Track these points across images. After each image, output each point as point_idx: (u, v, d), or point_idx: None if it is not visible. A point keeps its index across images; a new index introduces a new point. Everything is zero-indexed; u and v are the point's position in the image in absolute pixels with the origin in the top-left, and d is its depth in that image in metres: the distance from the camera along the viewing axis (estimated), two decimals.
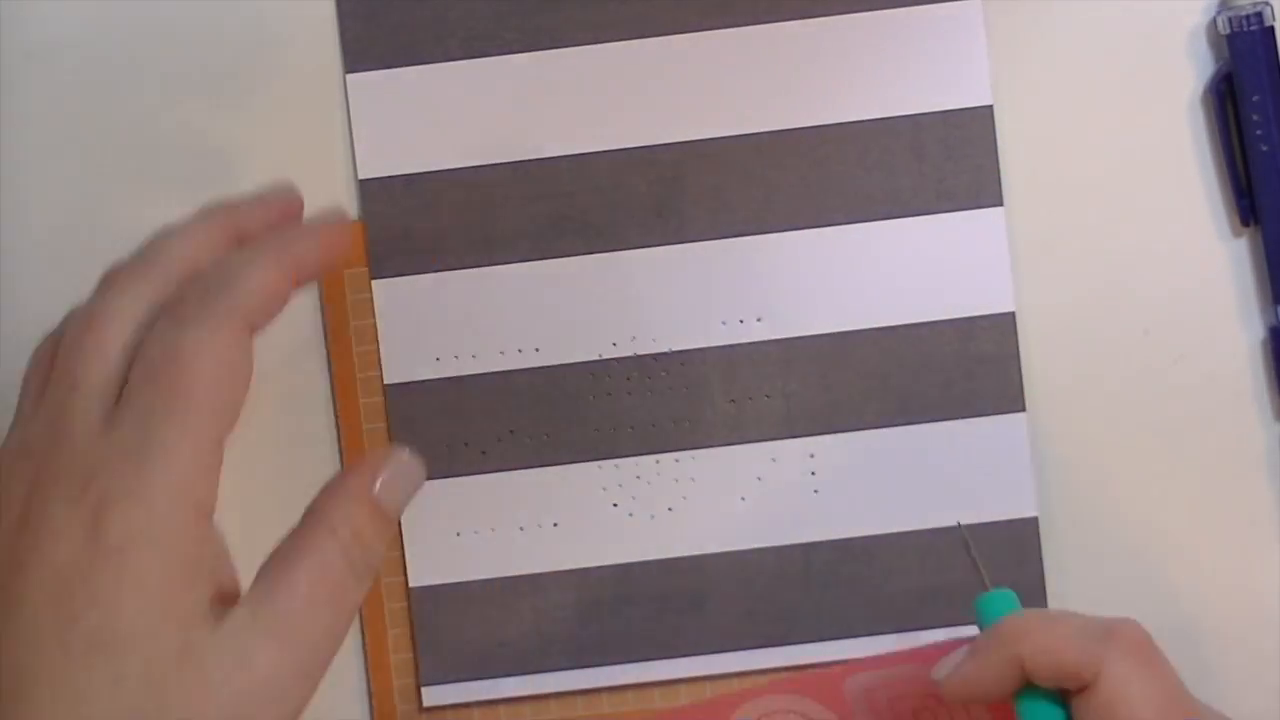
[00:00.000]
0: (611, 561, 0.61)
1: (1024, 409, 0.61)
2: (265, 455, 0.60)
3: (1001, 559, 0.61)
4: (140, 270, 0.48)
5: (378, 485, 0.49)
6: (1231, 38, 0.60)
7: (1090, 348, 0.61)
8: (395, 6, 0.59)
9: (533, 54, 0.59)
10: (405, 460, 0.50)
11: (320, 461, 0.61)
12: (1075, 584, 0.61)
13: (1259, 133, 0.59)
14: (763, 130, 0.60)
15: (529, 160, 0.60)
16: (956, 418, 0.61)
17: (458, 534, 0.61)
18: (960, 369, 0.60)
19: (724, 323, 0.60)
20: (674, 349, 0.60)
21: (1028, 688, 0.51)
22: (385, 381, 0.61)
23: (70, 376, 0.46)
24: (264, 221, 0.51)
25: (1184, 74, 0.61)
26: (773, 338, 0.60)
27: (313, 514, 0.49)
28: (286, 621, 0.47)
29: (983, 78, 0.60)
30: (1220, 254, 0.61)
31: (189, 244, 0.49)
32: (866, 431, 0.61)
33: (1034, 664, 0.50)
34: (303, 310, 0.61)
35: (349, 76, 0.59)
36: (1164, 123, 0.61)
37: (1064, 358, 0.61)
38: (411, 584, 0.61)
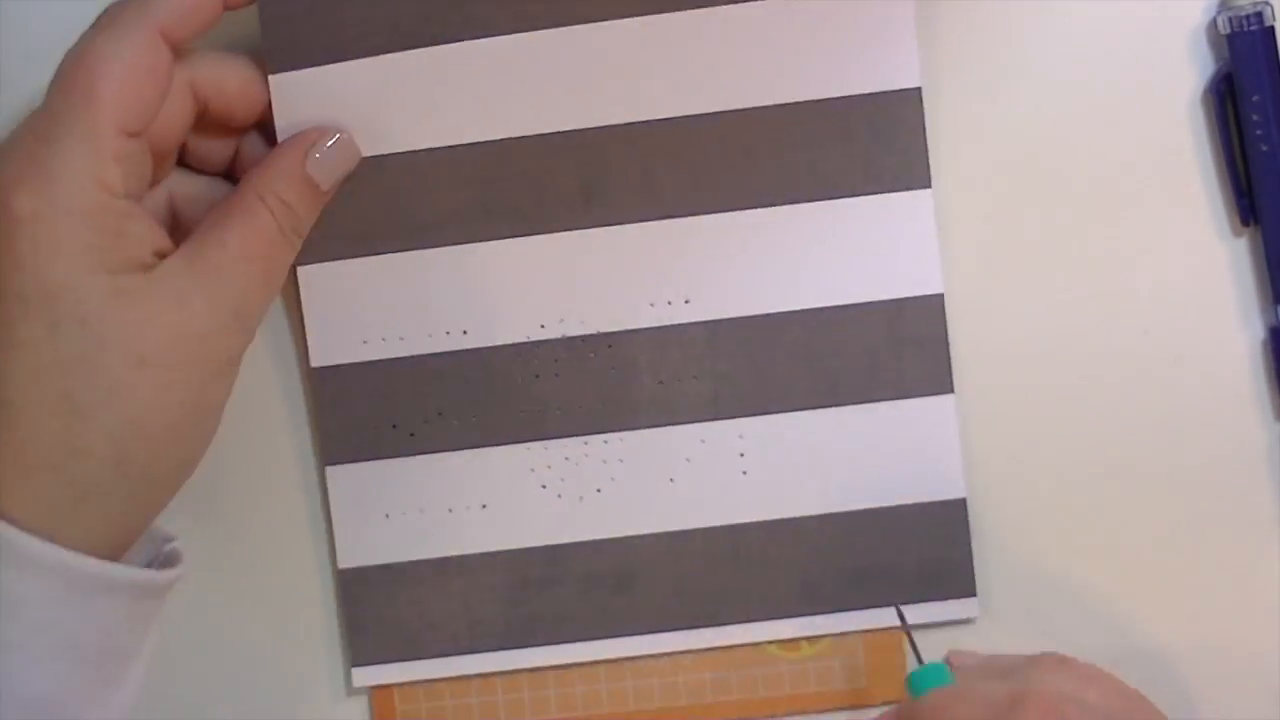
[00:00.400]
0: (540, 543, 0.62)
1: (952, 390, 0.60)
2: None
3: (930, 540, 0.60)
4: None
5: (310, 160, 0.56)
6: (1231, 38, 0.59)
7: (1020, 329, 0.61)
8: (319, 5, 0.58)
9: (457, 43, 0.59)
10: (339, 138, 0.57)
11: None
12: (1001, 567, 0.61)
13: (1259, 133, 0.59)
14: (690, 113, 0.59)
15: (454, 145, 0.59)
16: (885, 399, 0.61)
17: (386, 515, 0.61)
18: (889, 351, 0.60)
19: (652, 304, 0.60)
20: (602, 331, 0.60)
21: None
22: (312, 364, 0.61)
23: None
24: None
25: (1184, 74, 0.61)
26: (701, 319, 0.60)
27: (247, 182, 0.54)
28: (218, 270, 0.52)
29: (911, 60, 0.59)
30: (1220, 254, 0.61)
31: None
32: (795, 413, 0.61)
33: None
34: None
35: (272, 77, 0.58)
36: (1164, 123, 0.61)
37: (993, 339, 0.61)
38: (340, 565, 0.61)
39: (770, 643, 0.62)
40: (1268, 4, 0.59)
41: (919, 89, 0.59)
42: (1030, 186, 0.60)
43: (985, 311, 0.61)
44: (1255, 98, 0.59)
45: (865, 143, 0.59)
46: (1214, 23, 0.60)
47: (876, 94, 0.59)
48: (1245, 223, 0.61)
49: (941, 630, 0.61)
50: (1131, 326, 0.61)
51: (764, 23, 0.59)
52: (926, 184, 0.60)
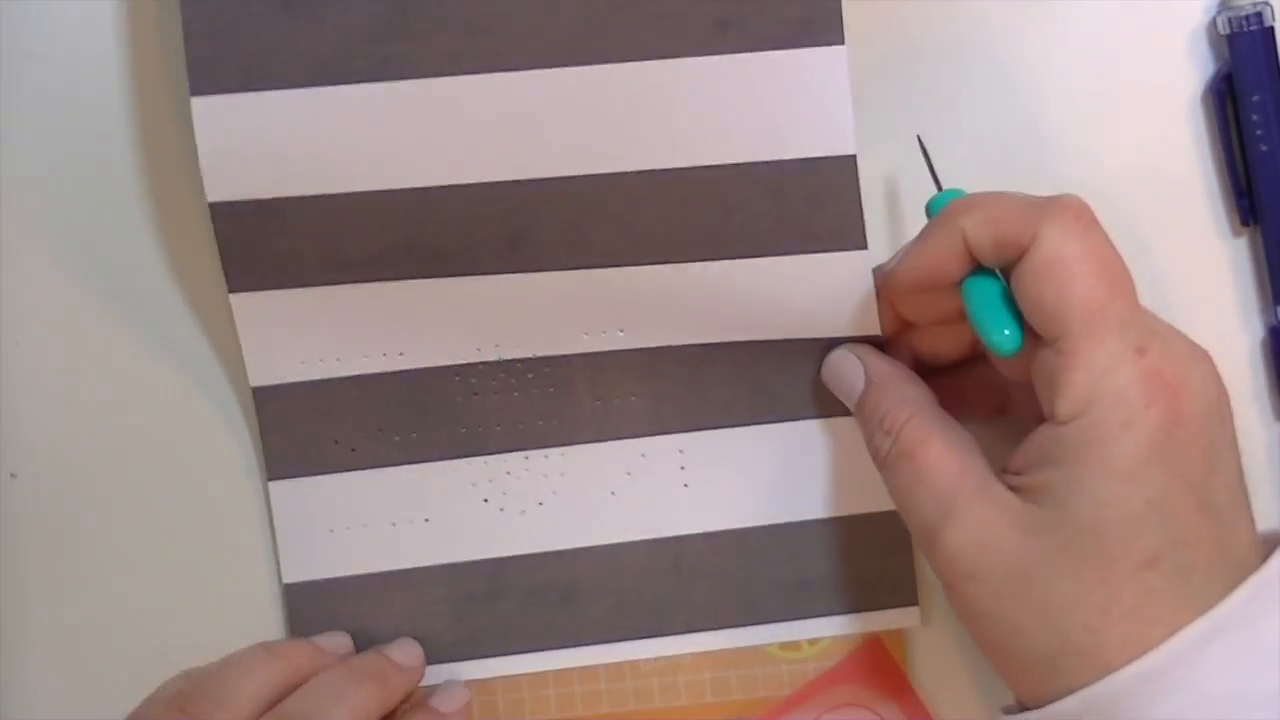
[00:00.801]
0: (483, 556, 0.62)
1: None
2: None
3: (871, 551, 0.61)
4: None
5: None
6: (1231, 38, 0.59)
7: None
8: (242, 30, 0.56)
9: (382, 84, 0.56)
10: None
11: None
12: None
13: (1259, 133, 0.59)
14: (619, 171, 0.57)
15: (379, 190, 0.57)
16: (824, 416, 0.60)
17: (330, 530, 0.61)
18: None
19: (587, 334, 0.59)
20: (539, 354, 0.60)
21: (973, 273, 0.53)
22: (252, 385, 0.60)
23: None
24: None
25: (1184, 74, 0.61)
26: (637, 347, 0.59)
27: None
28: None
29: (846, 126, 0.57)
30: (1220, 254, 0.61)
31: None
32: (735, 428, 0.61)
33: (975, 237, 0.51)
34: None
35: (194, 99, 0.56)
36: (1164, 123, 0.61)
37: None
38: (285, 580, 0.62)
39: (770, 643, 0.62)
40: (1268, 4, 0.58)
41: (853, 156, 0.57)
42: (1030, 187, 0.59)
43: None
44: (1255, 98, 0.59)
45: (799, 206, 0.57)
46: (1214, 23, 0.60)
47: (809, 159, 0.57)
48: (1245, 223, 0.60)
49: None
50: None
51: (698, 81, 0.56)
52: (863, 246, 0.57)
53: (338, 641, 0.60)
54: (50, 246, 0.61)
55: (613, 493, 0.61)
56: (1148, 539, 0.47)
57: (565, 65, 0.56)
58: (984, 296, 0.52)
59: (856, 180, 0.57)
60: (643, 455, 0.61)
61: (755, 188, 0.57)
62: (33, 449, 0.62)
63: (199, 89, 0.56)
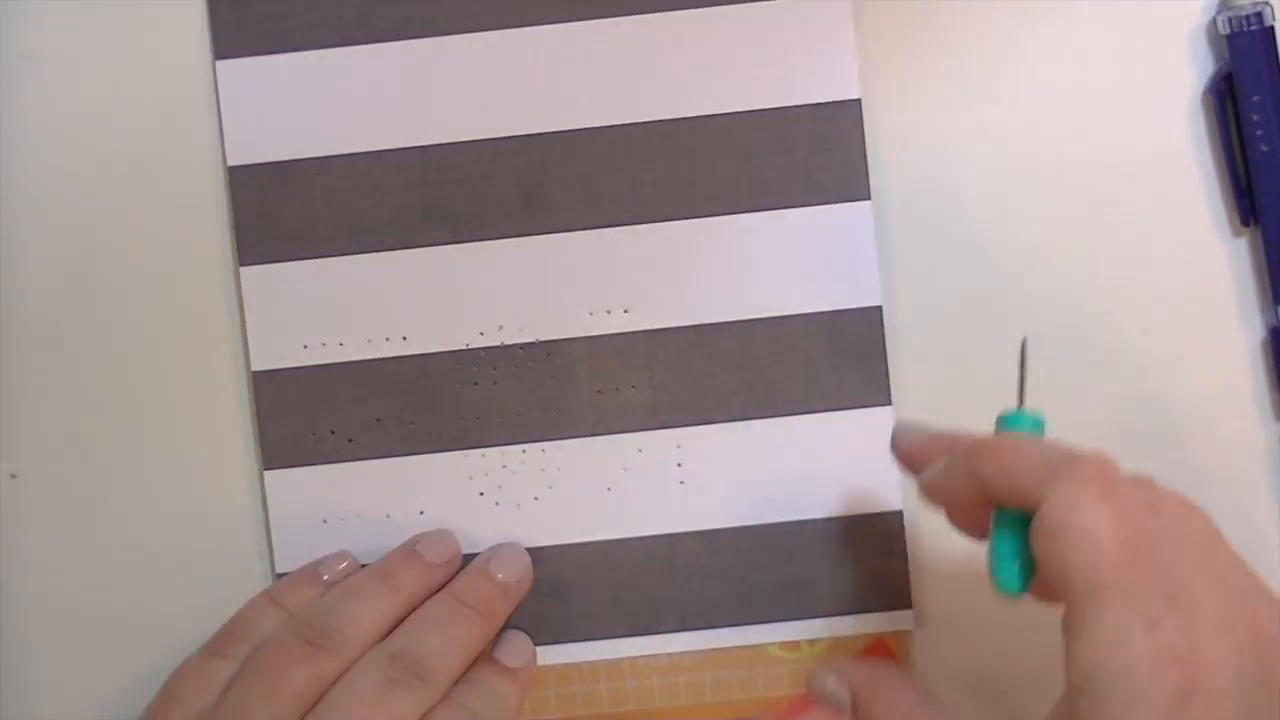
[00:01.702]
0: (477, 550, 0.61)
1: (890, 403, 0.60)
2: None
3: (866, 552, 0.60)
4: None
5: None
6: (1231, 38, 0.60)
7: (958, 343, 0.61)
8: None
9: (402, 42, 0.60)
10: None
11: None
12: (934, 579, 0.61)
13: (1259, 133, 0.59)
14: (630, 121, 0.60)
15: (396, 149, 0.60)
16: (822, 410, 0.60)
17: (324, 520, 0.61)
18: (827, 362, 0.60)
19: (591, 313, 0.60)
20: (541, 339, 0.61)
21: (1002, 509, 0.50)
22: (253, 368, 0.61)
23: None
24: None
25: (1184, 74, 0.62)
26: (640, 329, 0.61)
27: None
28: None
29: (851, 72, 0.60)
30: (1220, 254, 0.62)
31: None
32: (733, 424, 0.61)
33: (994, 485, 0.49)
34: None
35: (218, 63, 0.59)
36: (1164, 123, 0.62)
37: (931, 352, 0.61)
38: (278, 570, 0.61)
39: (771, 643, 0.61)
40: (1268, 4, 0.59)
41: (858, 100, 0.60)
42: (1031, 186, 0.60)
43: None
44: (1255, 98, 0.60)
45: (804, 154, 0.60)
46: (1214, 23, 0.61)
47: (816, 105, 0.60)
48: (1245, 223, 0.61)
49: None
50: (1131, 326, 0.61)
51: (705, 32, 0.60)
52: (865, 195, 0.60)
53: (448, 546, 0.61)
54: (50, 246, 0.63)
55: (609, 488, 0.61)
56: None
57: (577, 19, 0.60)
58: (1003, 533, 0.51)
59: (861, 125, 0.59)
60: (639, 450, 0.61)
61: (763, 135, 0.60)
62: (33, 449, 0.62)
63: (223, 52, 0.59)
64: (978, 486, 0.50)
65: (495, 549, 0.61)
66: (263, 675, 0.55)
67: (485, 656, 0.60)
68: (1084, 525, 0.46)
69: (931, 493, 0.53)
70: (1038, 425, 0.52)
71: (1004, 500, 0.49)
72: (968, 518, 0.52)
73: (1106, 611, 0.45)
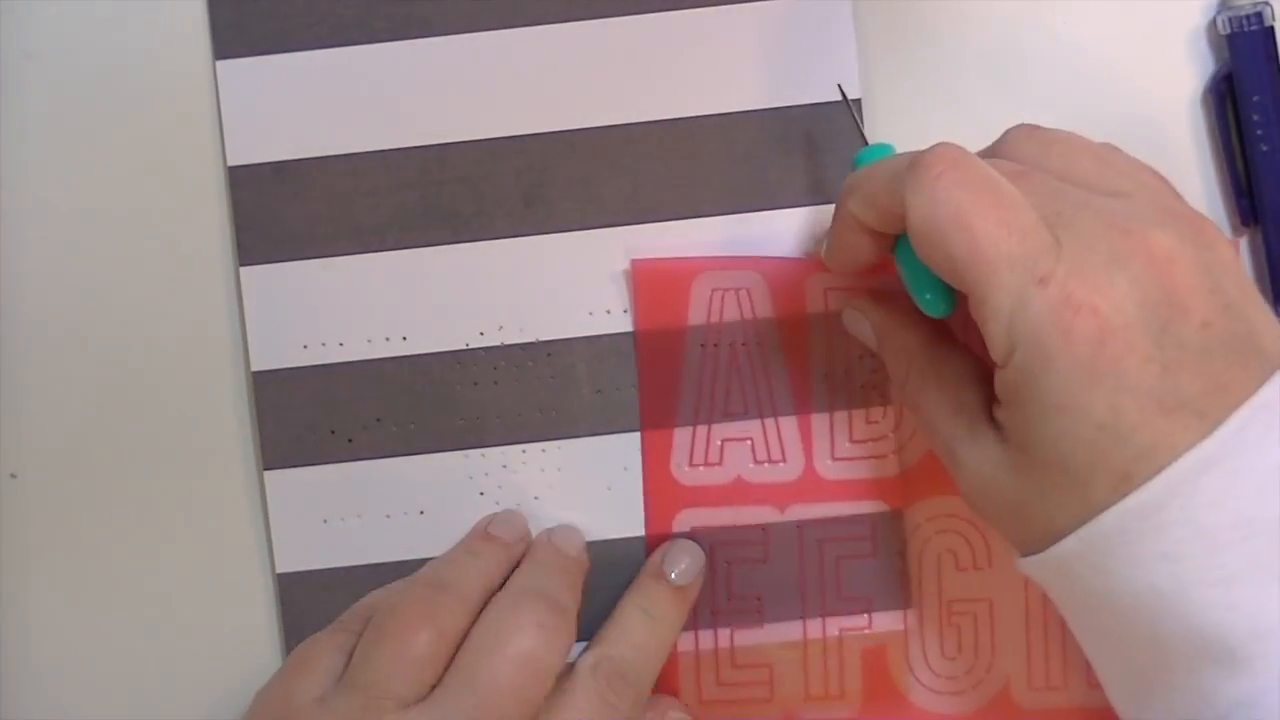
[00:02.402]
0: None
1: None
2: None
3: (868, 551, 0.60)
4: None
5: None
6: (1231, 38, 0.60)
7: None
8: None
9: (402, 42, 0.60)
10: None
11: None
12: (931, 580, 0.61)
13: (1259, 133, 0.59)
14: (630, 121, 0.60)
15: (396, 149, 0.60)
16: (825, 411, 0.61)
17: (324, 521, 0.61)
18: (827, 358, 0.60)
19: (591, 313, 0.60)
20: (541, 339, 0.61)
21: (899, 243, 0.52)
22: (253, 369, 0.61)
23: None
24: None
25: (1184, 74, 0.62)
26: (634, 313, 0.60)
27: None
28: None
29: (851, 72, 0.60)
30: None
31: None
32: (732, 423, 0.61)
33: (864, 217, 0.51)
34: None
35: (219, 63, 0.59)
36: (1164, 123, 0.62)
37: None
38: (278, 570, 0.61)
39: (771, 643, 0.62)
40: (1268, 4, 0.59)
41: (859, 100, 0.60)
42: None
43: None
44: (1255, 98, 0.60)
45: (804, 154, 0.59)
46: (1214, 23, 0.61)
47: (817, 105, 0.60)
48: (1245, 223, 0.61)
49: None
50: None
51: (706, 31, 0.60)
52: None
53: (517, 526, 0.61)
54: (50, 245, 0.63)
55: (609, 488, 0.61)
56: (1113, 459, 0.45)
57: (577, 19, 0.60)
58: (908, 262, 0.53)
59: (859, 124, 0.59)
60: (640, 450, 0.61)
61: (763, 135, 0.60)
62: (33, 449, 0.62)
63: (223, 52, 0.59)
64: (858, 230, 0.52)
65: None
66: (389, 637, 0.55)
67: (649, 569, 0.60)
68: (944, 214, 0.47)
69: (833, 260, 0.55)
70: (885, 150, 0.54)
71: (880, 228, 0.51)
72: (874, 258, 0.54)
73: (995, 286, 0.46)
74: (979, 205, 0.47)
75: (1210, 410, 0.46)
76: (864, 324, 0.57)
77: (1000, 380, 0.49)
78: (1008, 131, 0.53)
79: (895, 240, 0.53)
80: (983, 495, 0.50)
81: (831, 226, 0.55)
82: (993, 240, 0.47)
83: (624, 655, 0.57)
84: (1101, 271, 0.46)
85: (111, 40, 0.62)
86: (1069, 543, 0.47)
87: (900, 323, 0.56)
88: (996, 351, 0.48)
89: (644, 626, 0.58)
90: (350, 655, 0.55)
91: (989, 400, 0.51)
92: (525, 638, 0.54)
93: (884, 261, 0.54)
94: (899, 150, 0.54)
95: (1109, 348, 0.46)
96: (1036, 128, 0.53)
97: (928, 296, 0.52)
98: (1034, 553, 0.49)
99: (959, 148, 0.49)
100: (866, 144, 0.56)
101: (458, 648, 0.54)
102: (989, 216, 0.47)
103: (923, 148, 0.49)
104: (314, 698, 0.53)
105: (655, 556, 0.60)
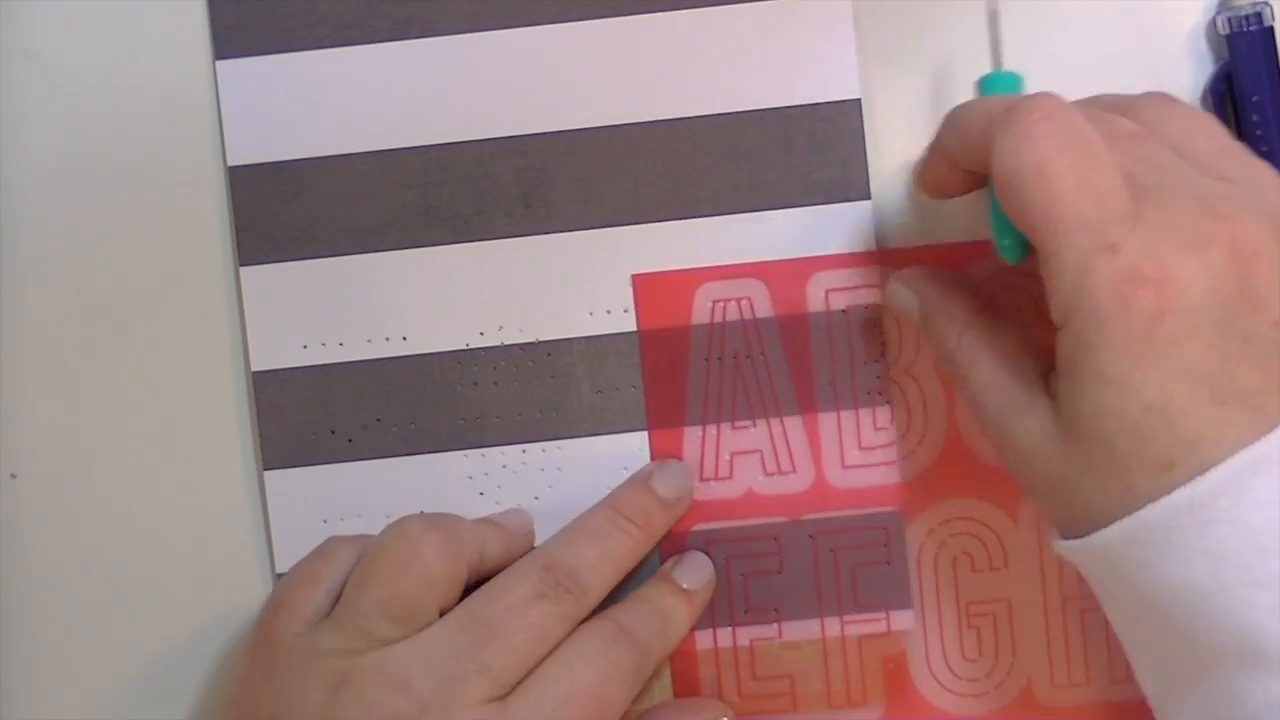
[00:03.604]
0: None
1: (889, 405, 0.60)
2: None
3: (868, 551, 0.60)
4: None
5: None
6: (1231, 38, 0.60)
7: None
8: None
9: (402, 42, 0.60)
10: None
11: None
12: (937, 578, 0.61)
13: (1259, 133, 0.59)
14: (630, 121, 0.60)
15: (396, 149, 0.60)
16: (830, 411, 0.61)
17: (324, 521, 0.61)
18: (832, 359, 0.61)
19: (591, 313, 0.60)
20: (541, 339, 0.61)
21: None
22: (253, 368, 0.61)
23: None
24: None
25: (1184, 74, 0.61)
26: (638, 329, 0.60)
27: None
28: None
29: (851, 72, 0.60)
30: None
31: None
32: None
33: (954, 152, 0.51)
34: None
35: (218, 63, 0.59)
36: None
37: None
38: (278, 570, 0.61)
39: (772, 643, 0.62)
40: (1267, 4, 0.59)
41: (858, 100, 0.60)
42: None
43: None
44: (1255, 98, 0.59)
45: (804, 154, 0.59)
46: (1214, 23, 0.61)
47: (816, 105, 0.60)
48: None
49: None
50: None
51: (705, 31, 0.60)
52: (866, 196, 0.60)
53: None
54: (50, 245, 0.63)
55: (609, 488, 0.61)
56: (1158, 444, 0.45)
57: (577, 19, 0.60)
58: (992, 205, 0.53)
59: (861, 125, 0.59)
60: (639, 450, 0.61)
61: (763, 135, 0.60)
62: (33, 449, 0.62)
63: (223, 52, 0.59)
64: (948, 159, 0.52)
65: (659, 464, 0.60)
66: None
67: (660, 574, 0.60)
68: (1028, 163, 0.47)
69: (922, 184, 0.55)
70: (1014, 83, 0.53)
71: (968, 165, 0.51)
72: (963, 191, 0.54)
73: (1065, 245, 0.46)
74: (1062, 161, 0.46)
75: (1266, 408, 0.45)
76: (910, 296, 0.56)
77: (1059, 344, 0.48)
78: (1143, 94, 0.53)
79: (984, 179, 0.53)
80: (1029, 467, 0.50)
81: (927, 151, 0.55)
82: (1069, 199, 0.46)
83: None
84: (1176, 250, 0.46)
85: (111, 40, 0.62)
86: (1111, 531, 0.47)
87: (950, 291, 0.55)
88: (1056, 311, 0.47)
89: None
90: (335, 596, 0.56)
91: (1045, 371, 0.50)
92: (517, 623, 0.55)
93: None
94: (1023, 86, 0.55)
95: (1167, 327, 0.45)
96: (1169, 97, 0.53)
97: (1005, 242, 0.52)
98: (1073, 536, 0.49)
99: (1060, 100, 0.48)
100: (1000, 67, 0.55)
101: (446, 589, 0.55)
102: (1070, 174, 0.46)
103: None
104: (300, 630, 0.55)
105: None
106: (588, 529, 0.58)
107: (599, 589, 0.57)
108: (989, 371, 0.52)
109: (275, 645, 0.55)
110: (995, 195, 0.49)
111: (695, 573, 0.60)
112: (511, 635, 0.54)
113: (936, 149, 0.54)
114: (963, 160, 0.52)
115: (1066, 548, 0.49)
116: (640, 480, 0.60)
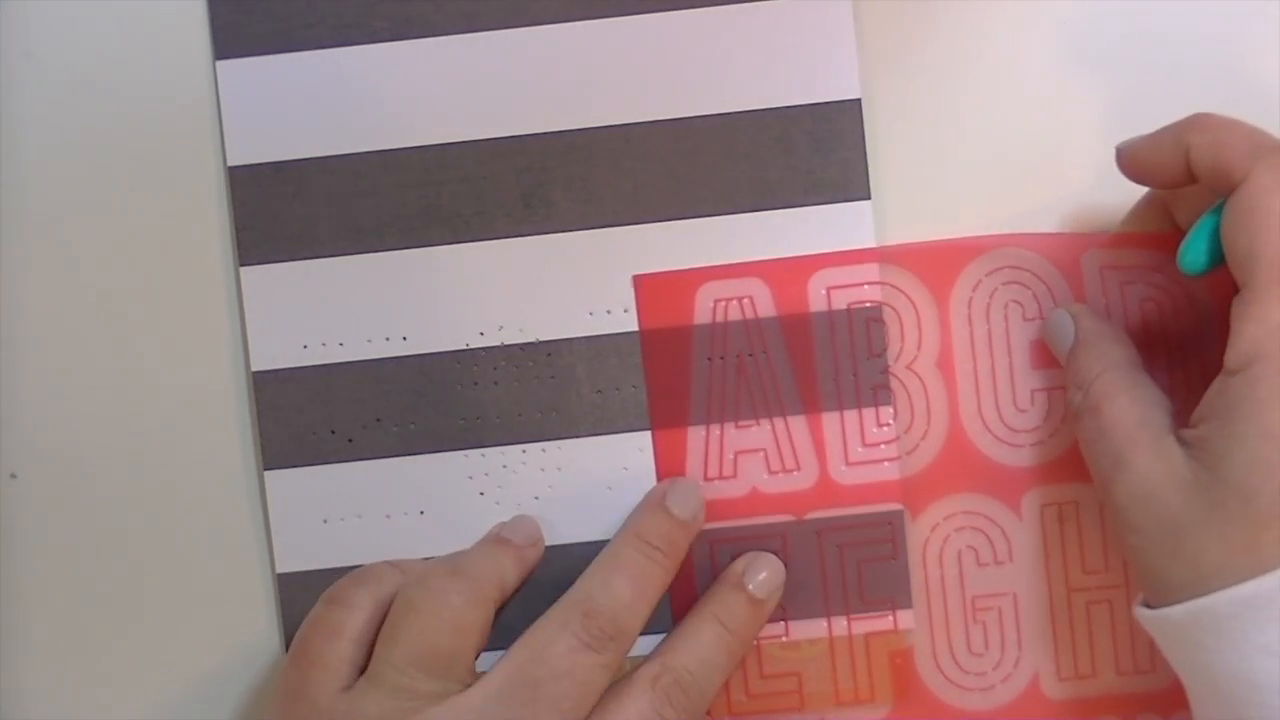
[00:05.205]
0: None
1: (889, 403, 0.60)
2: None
3: (868, 551, 0.60)
4: None
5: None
6: None
7: None
8: None
9: (402, 42, 0.60)
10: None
11: None
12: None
13: None
14: (630, 121, 0.60)
15: (396, 149, 0.60)
16: (832, 410, 0.61)
17: (324, 521, 0.61)
18: (833, 361, 0.60)
19: (591, 313, 0.60)
20: (541, 339, 0.61)
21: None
22: (253, 368, 0.61)
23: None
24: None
25: (1183, 74, 0.61)
26: (638, 329, 0.60)
27: None
28: None
29: (851, 72, 0.60)
30: None
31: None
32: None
33: (1197, 158, 0.50)
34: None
35: (218, 63, 0.59)
36: (1163, 123, 0.60)
37: None
38: (279, 570, 0.61)
39: (772, 643, 0.61)
40: None
41: (859, 100, 0.60)
42: (1031, 185, 0.60)
43: None
44: None
45: (805, 154, 0.59)
46: None
47: (816, 105, 0.60)
48: None
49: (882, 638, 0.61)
50: None
51: (705, 31, 0.60)
52: (866, 195, 0.60)
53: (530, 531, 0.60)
54: (50, 245, 0.63)
55: (609, 488, 0.61)
56: None
57: (577, 19, 0.60)
58: (1212, 219, 0.52)
59: (861, 125, 0.59)
60: (640, 450, 0.61)
61: (763, 135, 0.60)
62: (33, 449, 0.62)
63: (223, 52, 0.59)
64: (1182, 155, 0.51)
65: (670, 484, 0.60)
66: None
67: (728, 579, 0.60)
68: (1275, 205, 0.47)
69: (1130, 158, 0.54)
70: None
71: (1204, 172, 0.50)
72: (1164, 186, 0.54)
73: (1274, 296, 0.46)
74: None
75: None
76: (1069, 326, 0.56)
77: (1219, 388, 0.48)
78: None
79: (1190, 181, 0.53)
80: (1142, 508, 0.50)
81: (1157, 133, 0.54)
82: None
83: (688, 667, 0.56)
84: None
85: (111, 40, 0.62)
86: (1176, 611, 0.47)
87: (1110, 334, 0.56)
88: (1236, 354, 0.48)
89: (716, 638, 0.57)
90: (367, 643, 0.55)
91: (1174, 427, 0.51)
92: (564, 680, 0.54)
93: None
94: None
95: None
96: None
97: (1196, 253, 0.52)
98: (1164, 590, 0.49)
99: None
100: None
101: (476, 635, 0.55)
102: None
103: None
104: (337, 690, 0.54)
105: (736, 565, 0.60)
106: (620, 565, 0.57)
107: (638, 629, 0.56)
108: (1122, 411, 0.52)
109: (315, 708, 0.54)
110: (1224, 215, 0.50)
111: (770, 579, 0.60)
112: (559, 701, 0.53)
113: (1174, 140, 0.53)
114: (1201, 165, 0.51)
115: (1141, 615, 0.50)
116: (656, 503, 0.59)
